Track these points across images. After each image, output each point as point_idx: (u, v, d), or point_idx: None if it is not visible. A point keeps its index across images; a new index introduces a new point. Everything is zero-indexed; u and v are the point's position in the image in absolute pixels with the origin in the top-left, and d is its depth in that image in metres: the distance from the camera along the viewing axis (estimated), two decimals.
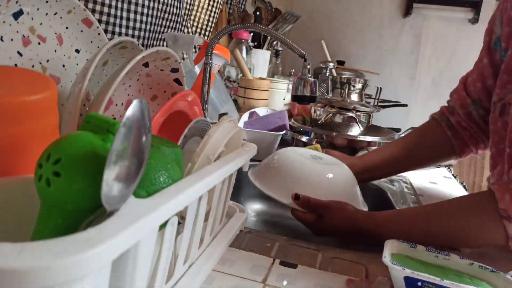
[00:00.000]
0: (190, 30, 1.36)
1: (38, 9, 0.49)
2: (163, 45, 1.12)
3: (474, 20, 2.22)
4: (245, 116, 1.09)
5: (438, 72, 2.38)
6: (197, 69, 1.01)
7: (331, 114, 1.04)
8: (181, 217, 0.37)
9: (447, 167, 1.14)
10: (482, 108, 0.71)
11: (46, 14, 0.51)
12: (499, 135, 0.62)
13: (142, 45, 0.93)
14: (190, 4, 1.30)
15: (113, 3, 0.91)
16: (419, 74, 2.41)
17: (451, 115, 0.75)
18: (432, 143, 0.77)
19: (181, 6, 1.20)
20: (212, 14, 1.47)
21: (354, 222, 0.58)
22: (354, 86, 1.08)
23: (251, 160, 0.53)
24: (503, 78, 0.61)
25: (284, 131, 1.00)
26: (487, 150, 0.73)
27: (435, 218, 0.55)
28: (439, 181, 0.99)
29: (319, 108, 1.08)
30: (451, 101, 0.76)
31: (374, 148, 0.99)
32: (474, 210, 0.54)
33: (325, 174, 0.66)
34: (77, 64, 0.56)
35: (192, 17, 1.40)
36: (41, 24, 0.51)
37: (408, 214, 0.60)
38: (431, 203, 0.59)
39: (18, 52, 0.49)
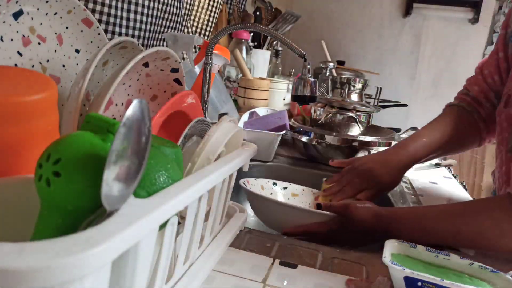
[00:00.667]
0: (190, 30, 1.36)
1: (38, 9, 0.49)
2: (163, 45, 1.12)
3: (474, 20, 2.22)
4: (245, 116, 1.09)
5: (438, 72, 2.38)
6: (197, 69, 1.01)
7: (331, 114, 1.04)
8: (181, 217, 0.37)
9: (447, 167, 1.14)
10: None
11: (46, 14, 0.51)
12: (501, 126, 0.63)
13: (142, 45, 0.93)
14: (190, 4, 1.30)
15: (113, 3, 0.91)
16: (419, 74, 2.41)
17: (479, 107, 0.74)
18: (466, 134, 0.76)
19: (181, 6, 1.20)
20: (212, 14, 1.47)
21: (379, 217, 0.58)
22: (354, 86, 1.08)
23: (251, 160, 0.53)
24: None
25: (284, 131, 1.00)
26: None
27: (461, 219, 0.55)
28: (439, 181, 0.99)
29: (319, 108, 1.08)
30: (471, 91, 0.76)
31: (374, 148, 0.98)
32: (495, 213, 0.53)
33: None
34: (77, 64, 0.56)
35: (192, 17, 1.40)
36: (41, 24, 0.51)
37: (434, 211, 0.58)
38: (445, 203, 0.58)
39: (18, 52, 0.49)
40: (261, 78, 1.32)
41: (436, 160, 1.20)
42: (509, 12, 0.69)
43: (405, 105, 1.71)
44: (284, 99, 1.39)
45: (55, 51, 0.53)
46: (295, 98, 0.76)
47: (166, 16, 1.12)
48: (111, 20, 0.92)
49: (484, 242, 0.53)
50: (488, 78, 0.72)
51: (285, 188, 0.79)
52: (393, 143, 0.98)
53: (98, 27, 0.56)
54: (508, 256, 0.56)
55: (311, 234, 0.60)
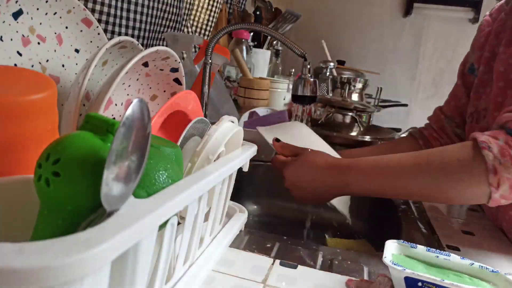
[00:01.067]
0: (190, 29, 1.36)
1: (37, 9, 0.49)
2: (163, 45, 1.12)
3: (474, 20, 2.22)
4: (245, 116, 1.09)
5: (439, 72, 2.38)
6: (197, 69, 1.01)
7: (331, 114, 1.04)
8: (181, 217, 0.37)
9: None
10: (454, 122, 0.81)
11: (46, 13, 0.51)
12: None
13: (142, 44, 0.93)
14: (190, 3, 1.30)
15: (113, 2, 0.91)
16: (420, 74, 2.41)
17: (424, 129, 0.85)
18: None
19: (181, 6, 1.20)
20: (212, 13, 1.47)
21: (335, 165, 0.58)
22: (354, 86, 1.08)
23: (251, 160, 0.53)
24: (478, 91, 0.70)
25: None
26: None
27: (425, 160, 0.53)
28: None
29: (319, 108, 1.08)
30: (428, 119, 0.87)
31: None
32: (458, 151, 0.52)
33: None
34: (76, 64, 0.56)
35: (192, 17, 1.40)
36: (40, 24, 0.51)
37: (388, 165, 0.57)
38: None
39: (18, 52, 0.49)
40: (261, 78, 1.32)
41: None
42: (466, 56, 0.82)
43: (405, 105, 1.71)
44: (284, 99, 1.39)
45: (55, 51, 0.53)
46: (295, 98, 0.75)
47: (166, 15, 1.12)
48: (111, 19, 0.92)
49: (447, 179, 0.51)
50: (444, 106, 0.84)
51: None
52: None
53: (97, 27, 0.56)
54: (508, 256, 0.56)
55: (276, 170, 0.64)
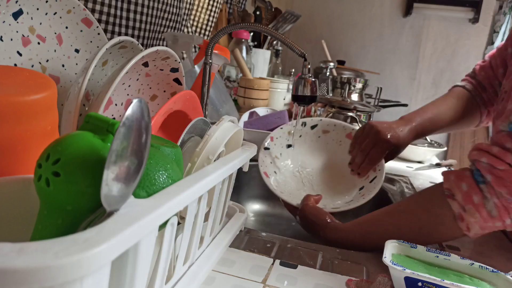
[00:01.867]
0: (190, 29, 1.36)
1: (37, 9, 0.49)
2: (163, 45, 1.12)
3: (474, 20, 2.22)
4: (245, 116, 1.09)
5: (438, 72, 2.38)
6: (197, 69, 1.01)
7: (331, 114, 1.04)
8: (181, 217, 0.37)
9: (447, 167, 1.14)
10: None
11: (46, 13, 0.51)
12: (494, 123, 0.64)
13: (142, 44, 0.93)
14: (190, 3, 1.30)
15: (113, 2, 0.91)
16: (420, 74, 2.41)
17: (483, 92, 0.78)
18: (467, 115, 0.80)
19: (181, 6, 1.20)
20: (212, 13, 1.47)
21: (321, 226, 0.61)
22: (354, 86, 1.08)
23: (251, 160, 0.53)
24: (509, 70, 0.64)
25: None
26: None
27: (399, 217, 0.56)
28: (439, 181, 0.99)
29: (319, 108, 1.08)
30: (478, 76, 0.79)
31: None
32: (427, 203, 0.53)
33: None
34: (76, 64, 0.56)
35: (192, 17, 1.40)
36: (40, 24, 0.51)
37: (366, 220, 0.60)
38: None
39: (18, 52, 0.49)
40: (261, 78, 1.32)
41: (436, 160, 1.20)
42: None
43: (405, 105, 1.71)
44: (284, 99, 1.39)
45: (55, 51, 0.53)
46: (295, 98, 0.75)
47: (166, 15, 1.12)
48: (111, 19, 0.92)
49: (421, 231, 0.53)
50: (495, 68, 0.76)
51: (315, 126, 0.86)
52: None
53: (97, 27, 0.56)
54: (508, 256, 0.56)
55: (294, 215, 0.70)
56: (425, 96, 2.41)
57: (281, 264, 0.48)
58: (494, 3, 2.22)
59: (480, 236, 0.49)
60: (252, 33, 1.53)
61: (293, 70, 1.71)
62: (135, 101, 0.25)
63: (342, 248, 0.54)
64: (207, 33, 1.47)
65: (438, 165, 1.13)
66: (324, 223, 0.61)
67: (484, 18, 2.23)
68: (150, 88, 0.56)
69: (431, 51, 2.37)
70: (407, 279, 0.41)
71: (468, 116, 0.80)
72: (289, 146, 0.84)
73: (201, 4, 1.42)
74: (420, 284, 0.41)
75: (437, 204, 0.51)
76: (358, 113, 1.03)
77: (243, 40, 1.46)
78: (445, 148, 1.19)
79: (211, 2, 1.45)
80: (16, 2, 0.46)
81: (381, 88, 1.26)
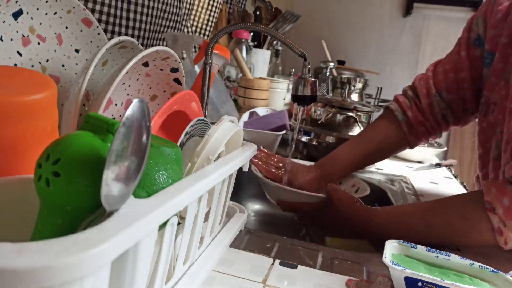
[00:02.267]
0: (190, 29, 1.36)
1: (37, 8, 0.49)
2: (163, 45, 1.12)
3: None
4: (245, 116, 1.09)
5: None
6: (197, 69, 1.01)
7: (331, 114, 1.04)
8: (181, 217, 0.37)
9: (447, 167, 1.14)
10: (443, 101, 0.72)
11: (46, 13, 0.51)
12: (485, 135, 0.65)
13: (142, 44, 0.93)
14: (190, 3, 1.30)
15: (113, 2, 0.91)
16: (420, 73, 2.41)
17: (408, 110, 0.75)
18: (388, 140, 0.78)
19: (181, 6, 1.20)
20: (212, 13, 1.47)
21: (356, 210, 0.61)
22: (354, 86, 1.08)
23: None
24: (491, 81, 0.63)
25: (284, 131, 1.00)
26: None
27: (432, 214, 0.56)
28: (439, 181, 0.99)
29: (319, 108, 1.08)
30: (417, 87, 0.76)
31: None
32: (464, 210, 0.55)
33: None
34: (76, 64, 0.56)
35: (192, 17, 1.40)
36: (40, 23, 0.51)
37: (406, 212, 0.61)
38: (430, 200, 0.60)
39: (18, 52, 0.49)
40: (261, 78, 1.32)
41: (436, 160, 1.20)
42: (470, 19, 0.71)
43: None
44: (284, 99, 1.39)
45: (55, 51, 0.53)
46: (295, 98, 0.75)
47: (166, 16, 1.12)
48: (111, 19, 0.92)
49: (454, 235, 0.54)
50: (440, 75, 0.72)
51: None
52: None
53: (97, 27, 0.56)
54: (508, 256, 0.56)
55: (300, 211, 0.66)
56: None
57: (281, 264, 0.48)
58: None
59: None
60: (252, 33, 1.53)
61: (293, 70, 1.71)
62: (135, 101, 0.25)
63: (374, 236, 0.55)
64: (207, 33, 1.47)
65: (438, 165, 1.13)
66: (365, 217, 0.60)
67: None
68: (150, 88, 0.56)
69: (431, 51, 2.37)
70: (407, 279, 0.41)
71: (390, 145, 0.78)
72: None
73: (201, 4, 1.42)
74: (420, 284, 0.41)
75: (476, 214, 0.52)
76: (358, 113, 1.03)
77: (243, 40, 1.46)
78: (445, 148, 1.19)
79: (211, 2, 1.45)
80: (16, 2, 0.46)
81: (381, 88, 1.26)
